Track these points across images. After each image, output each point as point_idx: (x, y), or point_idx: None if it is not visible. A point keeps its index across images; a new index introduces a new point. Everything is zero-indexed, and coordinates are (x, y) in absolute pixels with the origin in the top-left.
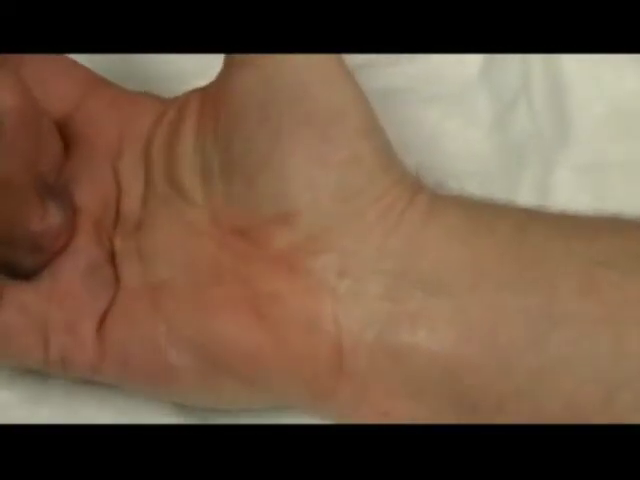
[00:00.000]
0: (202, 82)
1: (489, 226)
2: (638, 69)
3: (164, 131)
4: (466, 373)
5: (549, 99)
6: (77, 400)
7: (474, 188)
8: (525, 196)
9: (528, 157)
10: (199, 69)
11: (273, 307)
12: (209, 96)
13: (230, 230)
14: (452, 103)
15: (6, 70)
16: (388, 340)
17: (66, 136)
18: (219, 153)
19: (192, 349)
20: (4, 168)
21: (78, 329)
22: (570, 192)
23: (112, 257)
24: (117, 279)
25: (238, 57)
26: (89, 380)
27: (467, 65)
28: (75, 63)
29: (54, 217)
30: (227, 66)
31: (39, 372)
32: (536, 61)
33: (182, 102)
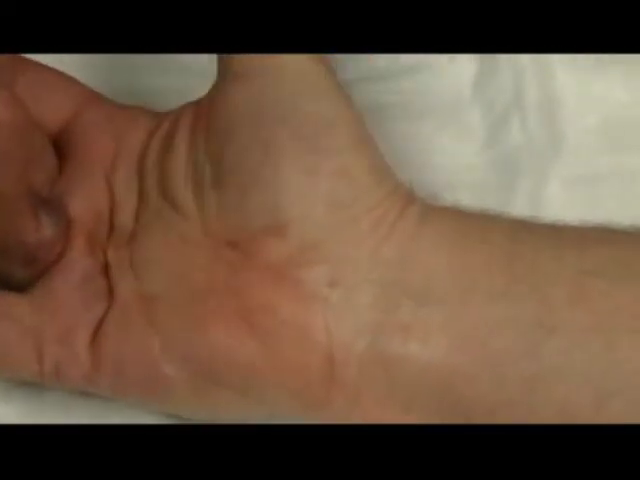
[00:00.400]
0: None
1: (480, 237)
2: (629, 82)
3: (157, 144)
4: (458, 383)
5: (541, 112)
6: (73, 413)
7: (467, 201)
8: (518, 208)
9: (521, 170)
10: (192, 84)
11: (265, 318)
12: (201, 109)
13: (222, 242)
14: (445, 117)
15: None
16: (379, 350)
17: (60, 149)
18: (211, 165)
19: (185, 361)
20: None
21: (72, 341)
22: (562, 204)
23: (106, 269)
24: (110, 291)
25: (230, 70)
26: (85, 392)
27: (459, 79)
28: (70, 78)
29: (47, 229)
30: (219, 80)
31: (35, 384)
32: (528, 74)
33: (175, 116)
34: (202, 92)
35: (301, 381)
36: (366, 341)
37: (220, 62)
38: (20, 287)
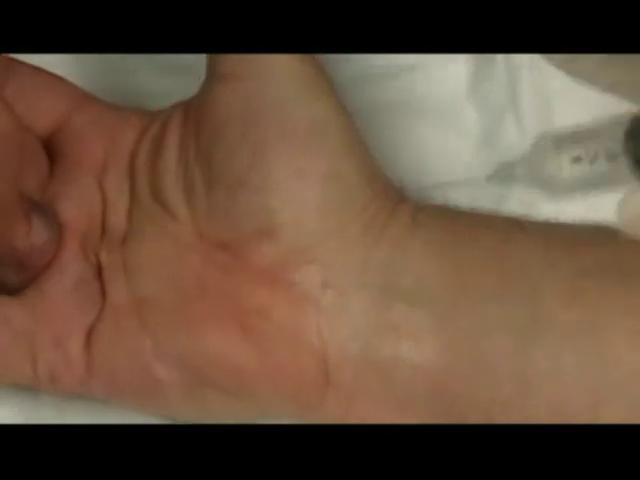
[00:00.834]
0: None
1: (472, 238)
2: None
3: (148, 146)
4: (452, 385)
5: (536, 112)
6: (68, 417)
7: (462, 200)
8: (513, 208)
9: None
10: (185, 84)
11: (258, 321)
12: (191, 110)
13: (214, 244)
14: (440, 117)
15: None
16: (373, 352)
17: (52, 152)
18: (201, 167)
19: (178, 364)
20: None
21: (65, 345)
22: (557, 204)
23: (98, 272)
24: (103, 294)
25: (219, 70)
26: (80, 396)
27: (455, 80)
28: (60, 79)
29: (40, 234)
30: (209, 80)
31: (29, 389)
32: (524, 74)
33: (166, 116)
34: (194, 92)
35: (295, 384)
36: (359, 343)
37: (209, 62)
38: (13, 291)
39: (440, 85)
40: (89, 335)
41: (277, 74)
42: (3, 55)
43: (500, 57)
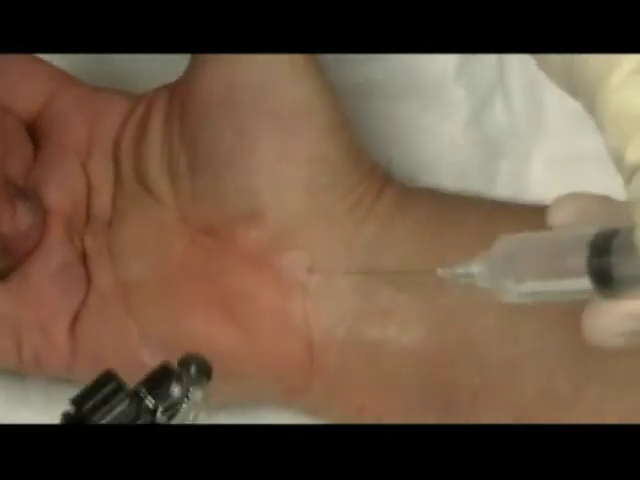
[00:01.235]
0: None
1: (458, 219)
2: None
3: (132, 129)
4: (439, 367)
5: (525, 93)
6: (56, 401)
7: (450, 181)
8: (501, 189)
9: (504, 150)
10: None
11: (244, 305)
12: (175, 93)
13: (199, 228)
14: (428, 97)
15: None
16: (359, 336)
17: (35, 136)
18: (185, 151)
19: (164, 348)
20: None
21: (50, 329)
22: (545, 184)
23: (83, 256)
24: (89, 278)
25: (203, 54)
26: (67, 380)
27: (443, 60)
28: (42, 62)
29: (24, 218)
30: (192, 63)
31: (17, 373)
32: (511, 56)
33: (149, 99)
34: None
35: (281, 367)
36: (345, 326)
37: None
38: None
39: (427, 65)
40: (74, 319)
41: (259, 57)
42: None
43: None
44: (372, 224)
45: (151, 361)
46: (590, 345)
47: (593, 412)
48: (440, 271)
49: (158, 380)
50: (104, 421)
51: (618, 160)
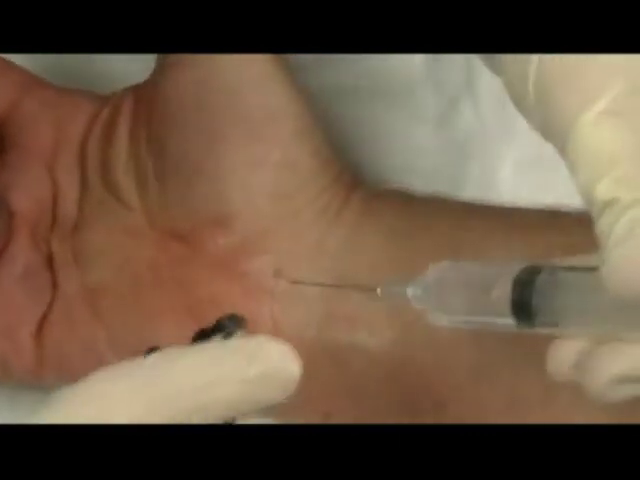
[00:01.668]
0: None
1: (427, 223)
2: None
3: (99, 131)
4: (406, 373)
5: (493, 94)
6: (22, 407)
7: (419, 184)
8: (470, 191)
9: (473, 152)
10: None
11: (212, 310)
12: (142, 96)
13: (167, 234)
14: (397, 99)
15: None
16: (326, 340)
17: (1, 140)
18: (153, 155)
19: (132, 354)
20: None
21: (16, 335)
22: (514, 186)
23: (49, 261)
24: (55, 284)
25: (171, 57)
26: (32, 385)
27: (412, 61)
28: (8, 63)
29: None
30: (160, 67)
31: None
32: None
33: (116, 102)
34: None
35: None
36: (313, 331)
37: None
38: None
39: (396, 67)
40: (40, 325)
41: (228, 60)
42: None
43: None
44: (340, 229)
45: None
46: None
47: (564, 417)
48: (379, 291)
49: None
50: None
51: (588, 197)
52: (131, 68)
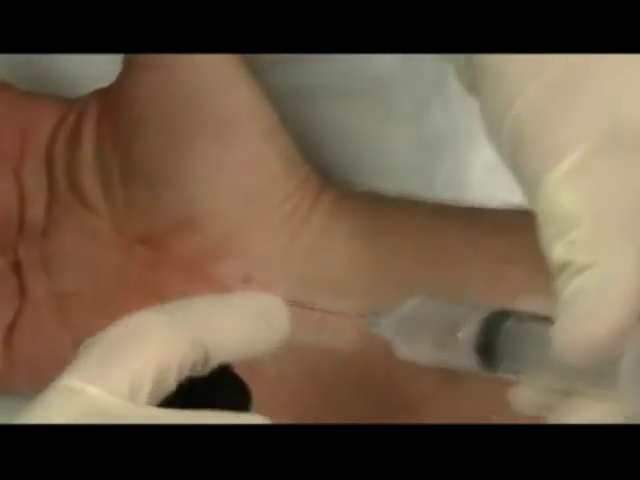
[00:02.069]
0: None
1: (394, 226)
2: None
3: (65, 135)
4: (375, 376)
5: (464, 94)
6: None
7: (389, 183)
8: (440, 190)
9: (443, 152)
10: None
11: None
12: (108, 100)
13: (135, 237)
14: (367, 99)
15: None
16: (295, 343)
17: None
18: (119, 159)
19: None
20: None
21: None
22: (484, 187)
23: (17, 267)
24: (23, 289)
25: (137, 60)
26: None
27: (383, 61)
28: None
29: None
30: (125, 71)
31: None
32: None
33: (82, 105)
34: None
35: None
36: None
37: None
38: None
39: (367, 66)
40: (9, 330)
41: (190, 63)
42: None
43: None
44: (309, 232)
45: None
46: None
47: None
48: (355, 317)
49: None
50: None
51: (548, 257)
52: (97, 71)
